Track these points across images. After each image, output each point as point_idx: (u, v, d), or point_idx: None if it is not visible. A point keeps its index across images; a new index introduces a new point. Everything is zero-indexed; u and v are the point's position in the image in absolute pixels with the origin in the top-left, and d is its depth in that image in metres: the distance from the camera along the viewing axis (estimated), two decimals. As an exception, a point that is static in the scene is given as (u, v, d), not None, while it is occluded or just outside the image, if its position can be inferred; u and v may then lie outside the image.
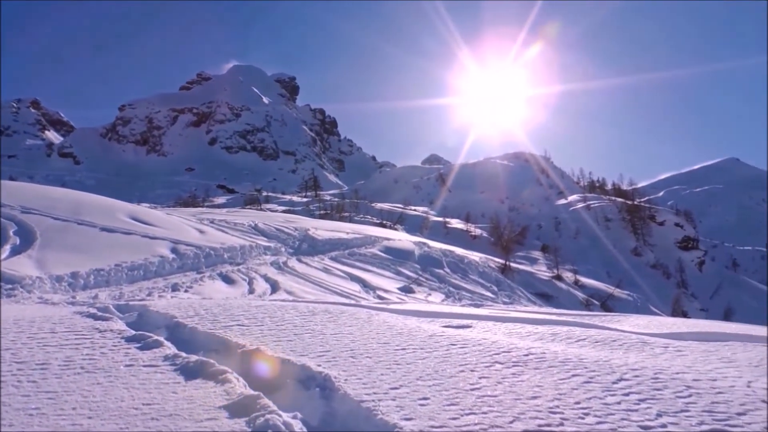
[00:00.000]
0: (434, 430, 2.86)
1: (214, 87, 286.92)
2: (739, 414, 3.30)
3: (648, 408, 3.34)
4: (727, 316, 48.54)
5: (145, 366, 3.99)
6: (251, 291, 12.17)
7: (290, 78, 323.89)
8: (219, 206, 79.42)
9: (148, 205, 47.29)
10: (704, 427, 3.05)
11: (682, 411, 3.31)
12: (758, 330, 7.76)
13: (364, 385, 3.59)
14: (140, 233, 14.70)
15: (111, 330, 5.16)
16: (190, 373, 3.82)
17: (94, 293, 9.73)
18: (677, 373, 4.21)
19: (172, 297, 9.96)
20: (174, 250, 13.99)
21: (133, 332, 5.06)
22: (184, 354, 4.27)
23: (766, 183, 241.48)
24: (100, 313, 6.09)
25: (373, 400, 3.28)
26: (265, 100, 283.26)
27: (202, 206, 74.17)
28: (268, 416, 2.95)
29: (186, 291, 11.03)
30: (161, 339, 4.78)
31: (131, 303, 7.19)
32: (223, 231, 19.76)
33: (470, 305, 14.80)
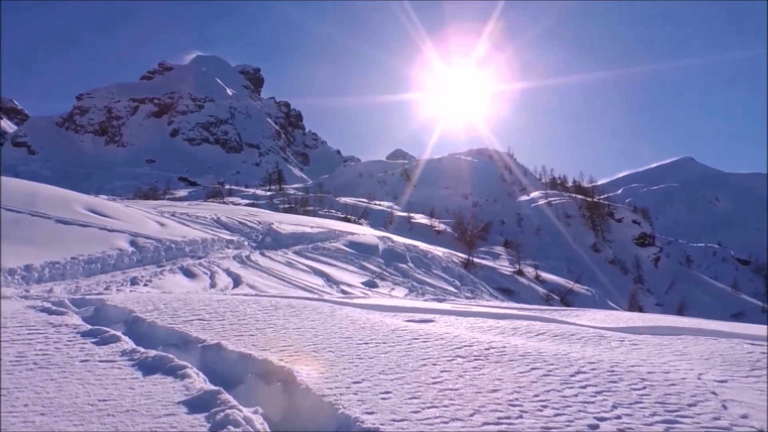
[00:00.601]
0: (396, 423, 2.88)
1: (176, 77, 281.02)
2: (690, 405, 3.41)
3: (604, 400, 3.42)
4: (681, 311, 50.08)
5: (101, 361, 3.90)
6: (213, 285, 12.01)
7: (255, 70, 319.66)
8: (180, 199, 78.08)
9: (106, 197, 46.17)
10: (656, 419, 3.14)
11: (636, 403, 3.41)
12: (709, 324, 8.04)
13: (326, 380, 3.58)
14: (98, 226, 14.34)
15: (66, 325, 5.03)
16: (148, 368, 3.75)
17: (49, 287, 9.45)
18: (632, 366, 4.32)
19: (130, 291, 9.75)
20: (133, 243, 13.70)
21: (90, 327, 4.94)
22: (142, 349, 4.19)
23: (719, 182, 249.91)
24: (54, 308, 5.92)
25: (335, 395, 3.28)
26: (229, 91, 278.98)
27: (163, 199, 72.81)
28: (228, 411, 2.92)
29: (145, 285, 10.82)
30: (119, 334, 4.68)
31: (88, 297, 7.01)
32: (184, 224, 19.44)
33: (433, 300, 14.91)
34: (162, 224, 17.69)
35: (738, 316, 54.41)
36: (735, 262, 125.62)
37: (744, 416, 3.27)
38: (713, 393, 3.71)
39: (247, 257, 16.09)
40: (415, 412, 3.06)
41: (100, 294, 8.17)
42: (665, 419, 3.14)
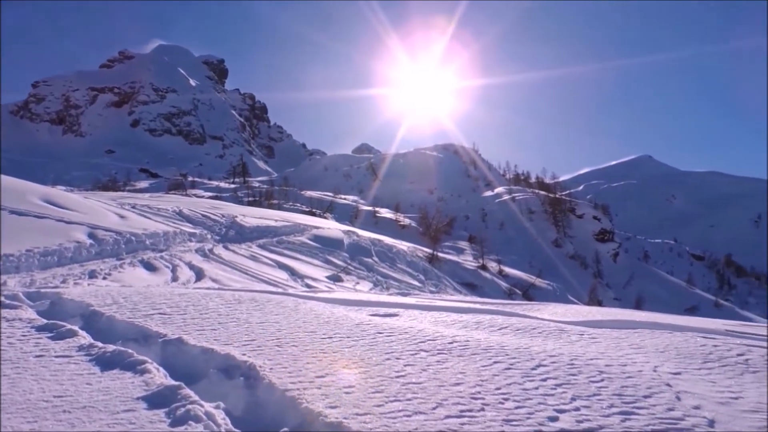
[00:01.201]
0: (359, 417, 2.88)
1: (137, 66, 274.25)
2: (646, 397, 3.51)
3: (563, 392, 3.50)
4: (638, 305, 51.44)
5: (57, 357, 3.80)
6: (175, 279, 11.81)
7: (219, 61, 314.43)
8: (141, 191, 76.43)
9: (63, 188, 44.89)
10: (614, 410, 3.22)
11: (594, 395, 3.49)
12: (664, 318, 8.28)
13: (289, 374, 3.56)
14: (55, 217, 13.94)
15: (20, 319, 4.88)
16: (106, 363, 3.67)
17: (3, 280, 9.15)
18: (591, 359, 4.42)
19: (88, 284, 9.52)
20: (92, 236, 13.37)
21: (45, 321, 4.81)
22: (100, 344, 4.10)
23: (676, 180, 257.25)
24: (7, 301, 5.74)
25: (298, 389, 3.26)
26: (192, 82, 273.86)
27: (123, 190, 71.24)
28: (189, 407, 2.88)
29: (104, 278, 10.58)
30: (75, 328, 4.57)
31: (43, 290, 6.82)
32: (145, 216, 19.05)
33: (398, 294, 14.97)
34: (122, 216, 17.30)
35: (692, 310, 56.15)
36: (690, 257, 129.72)
37: (696, 407, 3.38)
38: (668, 385, 3.83)
39: (210, 250, 15.87)
40: (379, 405, 3.07)
41: (57, 287, 7.95)
42: (622, 411, 3.22)
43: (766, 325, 8.13)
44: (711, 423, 3.12)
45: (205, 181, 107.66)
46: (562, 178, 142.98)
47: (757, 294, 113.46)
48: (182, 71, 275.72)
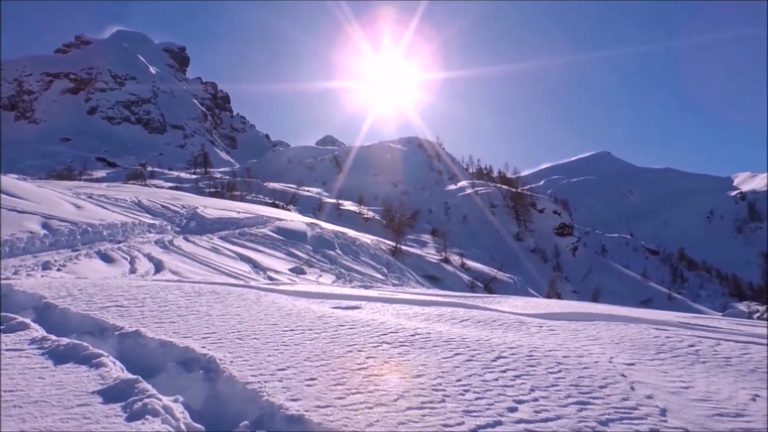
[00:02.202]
0: (320, 410, 2.87)
1: (94, 52, 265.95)
2: (601, 387, 3.60)
3: (522, 384, 3.56)
4: (595, 298, 52.70)
5: (7, 350, 3.68)
6: (133, 270, 11.56)
7: (180, 48, 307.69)
8: (98, 180, 74.52)
9: (16, 176, 43.38)
10: (571, 400, 3.29)
11: (552, 386, 3.56)
12: (620, 310, 8.50)
13: (250, 367, 3.53)
14: (6, 207, 13.47)
15: (-32, 312, 4.70)
16: (60, 357, 3.57)
17: (-50, 271, 8.81)
18: (549, 351, 4.51)
19: (42, 276, 9.24)
20: (45, 226, 12.97)
21: (-5, 314, 4.64)
22: (53, 337, 3.98)
23: (632, 176, 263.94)
24: (-45, 294, 5.53)
25: (258, 382, 3.24)
26: (152, 69, 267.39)
27: (79, 179, 69.28)
28: (146, 401, 2.82)
29: (59, 270, 10.29)
30: (27, 321, 4.43)
31: (-7, 282, 6.58)
32: (102, 207, 18.58)
33: (360, 287, 14.98)
34: (78, 206, 16.84)
35: (646, 303, 57.85)
36: (645, 252, 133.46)
37: (649, 396, 3.48)
38: (622, 375, 3.93)
39: (170, 242, 15.59)
40: (340, 398, 3.07)
41: (8, 279, 7.69)
42: (579, 401, 3.29)
43: (716, 316, 8.44)
44: (663, 412, 3.21)
45: (166, 171, 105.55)
46: (523, 173, 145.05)
47: (708, 287, 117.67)
48: (142, 58, 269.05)
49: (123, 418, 2.66)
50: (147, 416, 2.68)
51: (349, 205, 70.88)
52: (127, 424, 2.60)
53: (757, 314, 48.44)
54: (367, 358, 3.94)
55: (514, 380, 3.62)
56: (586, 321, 6.68)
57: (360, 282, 17.49)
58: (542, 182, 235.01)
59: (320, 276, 16.92)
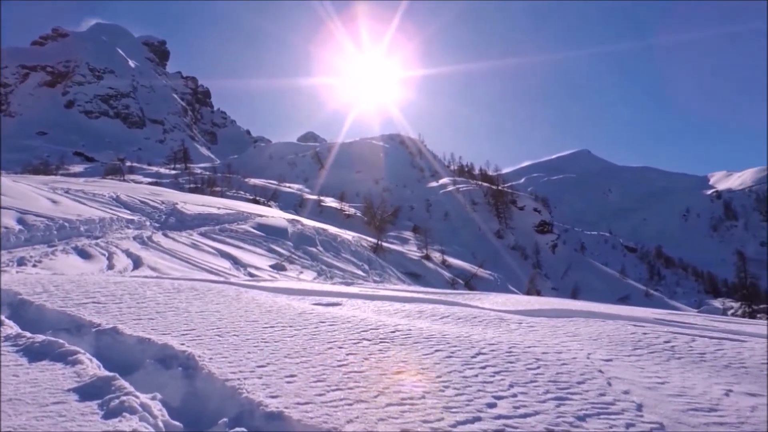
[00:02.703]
0: (300, 407, 2.87)
1: (72, 45, 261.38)
2: (579, 383, 3.64)
3: (502, 380, 3.58)
4: (575, 295, 53.27)
5: (-19, 348, 3.61)
6: (110, 267, 11.42)
7: (160, 42, 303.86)
8: (76, 175, 73.37)
9: (-10, 170, 42.54)
10: (549, 396, 3.33)
11: (531, 382, 3.59)
12: (598, 307, 8.60)
13: (229, 364, 3.51)
14: (-20, 201, 13.21)
15: (-60, 308, 4.61)
16: (35, 354, 3.52)
17: None
18: (529, 347, 4.55)
19: (17, 272, 9.08)
20: (21, 221, 12.75)
21: (-32, 311, 4.56)
22: (28, 334, 3.92)
23: (612, 174, 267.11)
24: (-74, 290, 5.41)
25: (238, 379, 3.22)
26: (132, 63, 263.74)
27: (56, 174, 68.17)
28: (123, 398, 2.79)
29: (34, 266, 10.12)
30: (2, 318, 4.36)
31: (-34, 278, 6.46)
32: (80, 202, 18.32)
33: (342, 283, 14.97)
34: (54, 201, 16.58)
35: (624, 300, 58.59)
36: (623, 249, 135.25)
37: (626, 392, 3.53)
38: (600, 371, 3.98)
39: (149, 238, 15.42)
40: (320, 394, 3.07)
41: (-18, 275, 7.54)
42: (557, 396, 3.33)
43: (691, 313, 8.58)
44: (639, 407, 3.26)
45: (145, 166, 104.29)
46: (504, 171, 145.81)
47: (684, 284, 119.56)
48: (121, 51, 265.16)
49: (99, 416, 2.63)
50: (124, 414, 2.66)
51: (330, 202, 70.72)
52: (103, 422, 2.57)
53: (732, 311, 49.37)
54: (348, 354, 3.93)
55: (493, 376, 3.64)
56: (565, 318, 6.75)
57: (341, 279, 17.47)
58: (523, 180, 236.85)
59: (301, 273, 16.87)
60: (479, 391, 3.32)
